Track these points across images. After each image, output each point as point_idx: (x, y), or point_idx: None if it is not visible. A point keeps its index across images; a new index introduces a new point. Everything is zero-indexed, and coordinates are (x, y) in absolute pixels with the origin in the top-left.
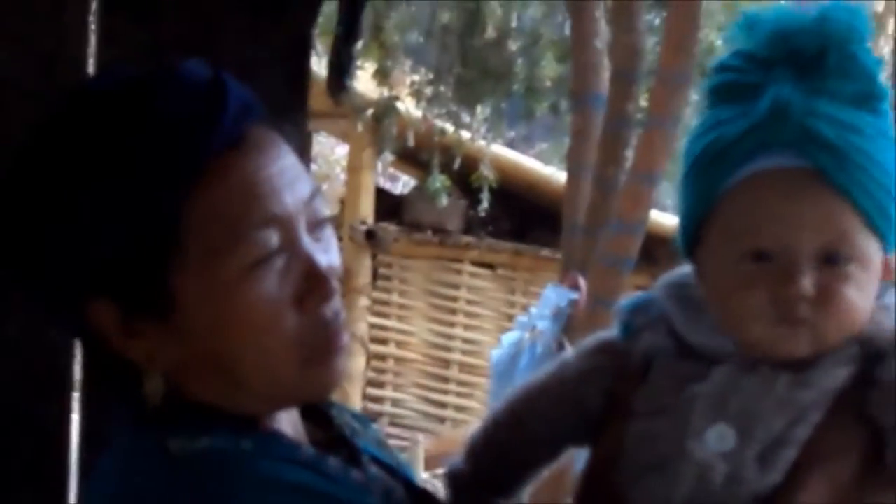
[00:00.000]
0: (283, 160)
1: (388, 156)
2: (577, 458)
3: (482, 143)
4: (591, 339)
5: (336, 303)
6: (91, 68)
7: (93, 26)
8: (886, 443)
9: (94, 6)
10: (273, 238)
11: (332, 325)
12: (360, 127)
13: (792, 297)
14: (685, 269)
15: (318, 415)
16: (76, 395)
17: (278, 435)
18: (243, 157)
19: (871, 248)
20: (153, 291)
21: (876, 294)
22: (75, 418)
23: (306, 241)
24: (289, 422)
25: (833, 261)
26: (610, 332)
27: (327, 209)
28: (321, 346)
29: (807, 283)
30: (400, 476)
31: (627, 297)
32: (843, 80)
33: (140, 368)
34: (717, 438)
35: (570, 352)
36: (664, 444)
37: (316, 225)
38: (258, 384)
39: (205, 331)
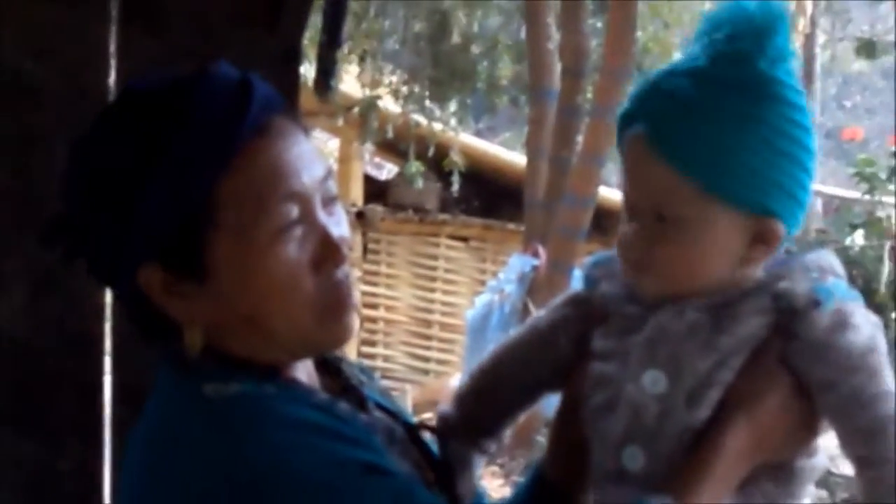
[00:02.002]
0: (302, 145)
1: (371, 146)
2: (546, 403)
3: (452, 133)
4: (560, 295)
5: (347, 267)
6: (112, 76)
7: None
8: (810, 392)
9: (113, 22)
10: (294, 211)
11: (343, 285)
12: (346, 122)
13: (621, 242)
14: None
15: (330, 367)
16: (108, 359)
17: (297, 382)
18: (268, 143)
19: (703, 212)
20: (193, 257)
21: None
22: (108, 378)
23: (321, 214)
24: (305, 372)
25: (660, 219)
26: (576, 288)
27: (337, 189)
28: (335, 303)
29: (628, 232)
30: (400, 419)
31: (590, 257)
32: (720, 64)
33: (180, 325)
34: (651, 382)
35: (541, 309)
36: (613, 386)
37: (329, 201)
38: (283, 337)
39: (236, 291)
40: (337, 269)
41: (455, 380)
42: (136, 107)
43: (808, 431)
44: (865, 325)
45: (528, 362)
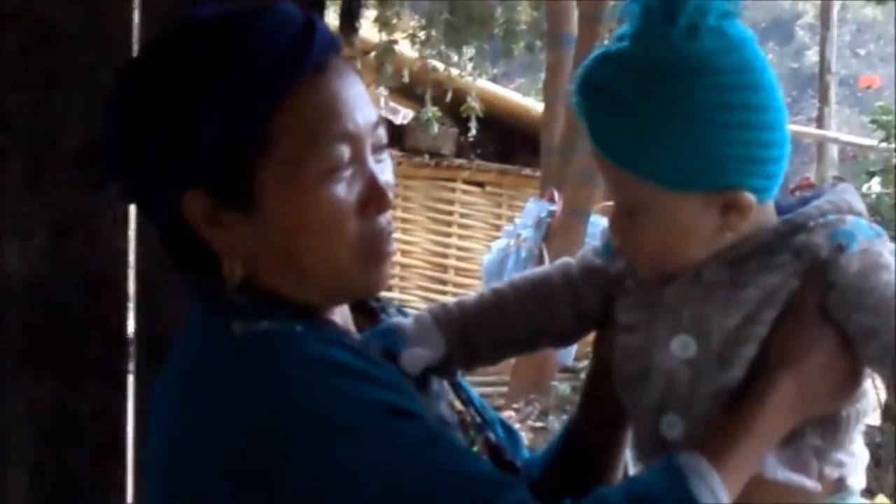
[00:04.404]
0: (358, 87)
1: (387, 91)
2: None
3: (469, 78)
4: (590, 247)
5: (389, 215)
6: (136, 18)
7: None
8: (853, 341)
9: None
10: (345, 152)
11: (385, 232)
12: (363, 66)
13: (611, 234)
14: None
15: (369, 310)
16: (131, 302)
17: (329, 323)
18: (327, 80)
19: (659, 201)
20: (241, 187)
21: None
22: (131, 323)
23: (371, 159)
24: (340, 314)
25: (628, 209)
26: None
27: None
28: (375, 249)
29: (612, 227)
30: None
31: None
32: (640, 44)
33: (218, 257)
34: (680, 347)
35: (573, 257)
36: (643, 357)
37: (378, 148)
38: (321, 276)
39: (280, 225)
40: (380, 216)
41: None
42: (197, 32)
43: (853, 381)
44: None
45: (549, 302)
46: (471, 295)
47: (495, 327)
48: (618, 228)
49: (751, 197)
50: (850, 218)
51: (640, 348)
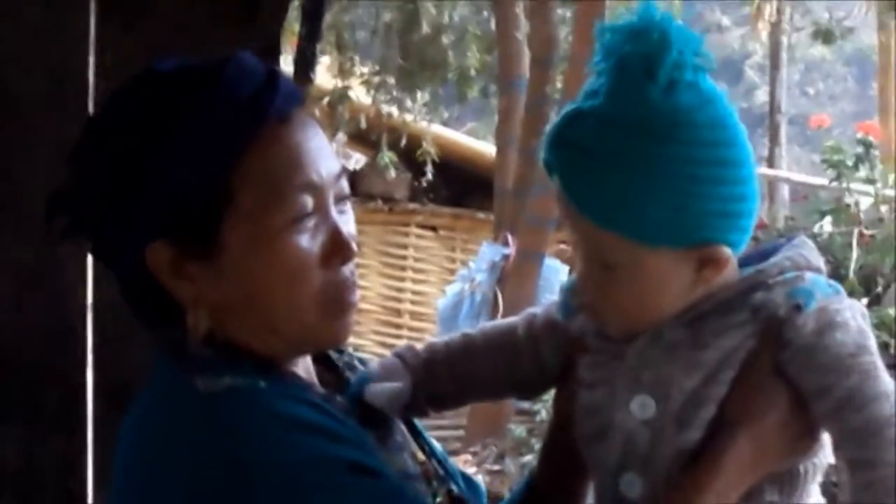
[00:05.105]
0: (321, 139)
1: (342, 137)
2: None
3: (423, 123)
4: (553, 302)
5: (353, 266)
6: (90, 74)
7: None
8: (806, 399)
9: (91, 18)
10: (309, 202)
11: (349, 282)
12: (317, 113)
13: (576, 285)
14: None
15: (330, 362)
16: (90, 356)
17: (294, 376)
18: (290, 131)
19: (637, 257)
20: (205, 237)
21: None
22: (90, 375)
23: (334, 210)
24: (303, 367)
25: (603, 265)
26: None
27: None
28: (339, 299)
29: (580, 282)
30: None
31: (566, 281)
32: (615, 101)
33: (181, 310)
34: (640, 408)
35: (537, 308)
36: (603, 415)
37: (341, 199)
38: (284, 326)
39: (245, 275)
40: (344, 266)
41: None
42: (159, 83)
43: (810, 437)
44: (852, 321)
45: (514, 353)
46: (440, 339)
47: (462, 370)
48: (589, 285)
49: (727, 251)
50: (808, 275)
51: (601, 406)
